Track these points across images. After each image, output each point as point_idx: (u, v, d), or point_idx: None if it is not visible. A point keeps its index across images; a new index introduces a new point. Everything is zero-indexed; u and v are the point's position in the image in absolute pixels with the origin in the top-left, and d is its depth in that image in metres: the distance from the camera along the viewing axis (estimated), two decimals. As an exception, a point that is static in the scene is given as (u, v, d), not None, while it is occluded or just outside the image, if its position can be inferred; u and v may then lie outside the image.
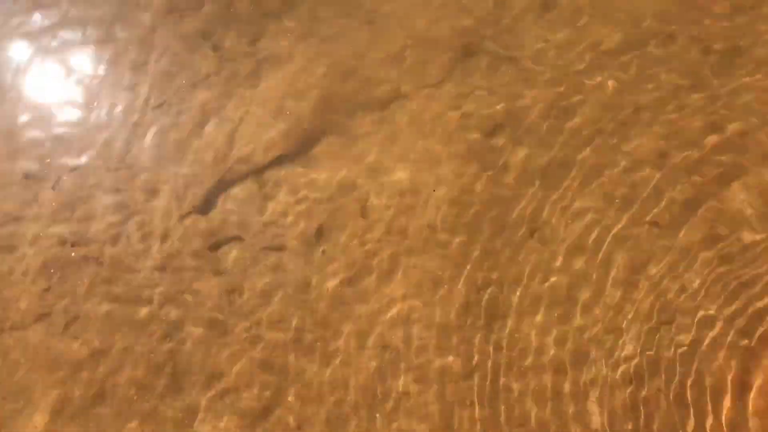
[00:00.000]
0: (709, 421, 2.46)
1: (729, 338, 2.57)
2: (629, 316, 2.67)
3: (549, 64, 3.14)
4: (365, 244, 2.89)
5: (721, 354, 2.56)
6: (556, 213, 2.88)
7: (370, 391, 2.66)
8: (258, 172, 3.06)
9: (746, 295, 2.64)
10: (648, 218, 2.82)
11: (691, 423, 2.46)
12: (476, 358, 2.67)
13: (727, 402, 2.47)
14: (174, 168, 3.07)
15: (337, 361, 2.71)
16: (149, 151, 3.11)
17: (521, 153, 2.99)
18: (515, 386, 2.60)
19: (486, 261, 2.82)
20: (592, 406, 2.55)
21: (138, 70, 3.30)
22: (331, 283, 2.84)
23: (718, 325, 2.60)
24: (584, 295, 2.73)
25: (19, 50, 3.45)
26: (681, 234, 2.77)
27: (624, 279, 2.74)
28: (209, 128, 3.13)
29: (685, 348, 2.58)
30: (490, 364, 2.66)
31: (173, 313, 2.84)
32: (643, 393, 2.55)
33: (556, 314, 2.70)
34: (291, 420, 2.64)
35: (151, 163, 3.09)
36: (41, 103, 3.23)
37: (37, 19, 3.48)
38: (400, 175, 3.00)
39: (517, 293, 2.77)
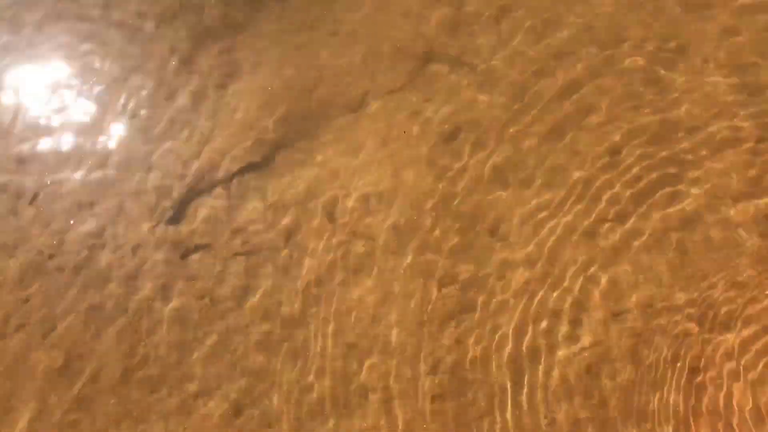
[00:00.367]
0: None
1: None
2: (586, 308, 2.77)
3: (506, 68, 3.24)
4: (332, 247, 3.00)
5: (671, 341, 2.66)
6: (515, 212, 2.98)
7: (339, 389, 2.76)
8: (227, 180, 3.16)
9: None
10: (601, 215, 2.92)
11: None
12: (440, 352, 2.76)
13: (675, 386, 2.58)
14: (145, 179, 3.17)
15: (307, 360, 2.81)
16: (121, 163, 3.21)
17: (480, 155, 3.09)
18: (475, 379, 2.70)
19: (448, 260, 2.92)
20: (550, 395, 2.65)
21: (110, 84, 3.40)
22: (300, 286, 2.94)
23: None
24: (544, 289, 2.82)
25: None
26: (634, 225, 2.87)
27: (581, 273, 2.84)
28: (179, 140, 3.24)
29: (638, 337, 2.69)
30: (454, 358, 2.75)
31: (146, 321, 2.94)
32: (600, 382, 2.65)
33: (515, 311, 2.80)
34: (263, 419, 2.74)
35: (123, 175, 3.19)
36: (15, 118, 3.32)
37: (6, 32, 3.57)
38: (365, 179, 3.11)
39: (479, 290, 2.86)
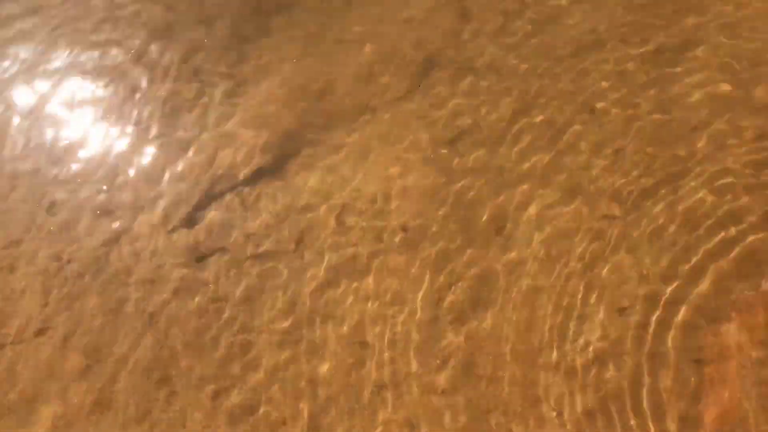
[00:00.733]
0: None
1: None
2: (592, 303, 2.84)
3: (509, 72, 3.33)
4: (342, 249, 3.08)
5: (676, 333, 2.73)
6: (519, 211, 3.06)
7: (352, 386, 2.84)
8: (239, 186, 3.25)
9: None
10: (605, 211, 2.99)
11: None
12: (451, 348, 2.84)
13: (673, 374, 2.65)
14: (160, 187, 3.27)
15: (321, 359, 2.89)
16: (137, 172, 3.31)
17: (485, 157, 3.18)
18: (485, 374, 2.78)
19: (456, 259, 3.00)
20: (558, 387, 2.72)
21: (124, 97, 3.50)
22: (312, 287, 3.02)
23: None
24: (550, 285, 2.90)
25: (11, 82, 3.66)
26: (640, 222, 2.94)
27: (586, 268, 2.91)
28: (192, 148, 3.33)
29: (644, 330, 2.75)
30: (465, 354, 2.83)
31: (164, 323, 3.02)
32: (607, 374, 2.72)
33: (523, 306, 2.88)
34: (278, 416, 2.82)
35: (139, 183, 3.29)
36: (30, 129, 3.43)
37: (24, 47, 3.68)
38: (372, 182, 3.19)
39: (487, 288, 2.94)
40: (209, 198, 3.23)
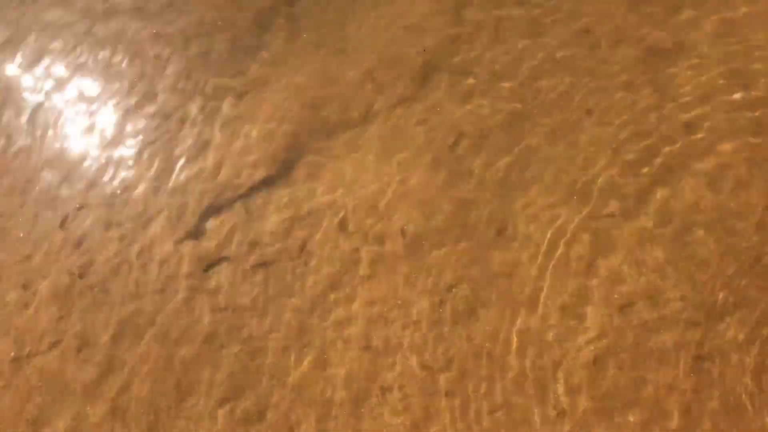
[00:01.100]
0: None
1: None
2: (592, 302, 2.86)
3: (507, 74, 3.36)
4: (345, 254, 3.13)
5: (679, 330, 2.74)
6: (519, 212, 3.09)
7: (357, 390, 2.89)
8: (244, 195, 3.31)
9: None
10: (606, 211, 3.01)
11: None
12: (453, 351, 2.88)
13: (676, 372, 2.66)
14: (168, 198, 3.34)
15: (326, 364, 2.94)
16: (145, 185, 3.39)
17: (484, 159, 3.21)
18: (487, 374, 2.81)
19: (456, 261, 3.04)
20: (559, 388, 2.75)
21: (129, 111, 3.57)
22: (316, 292, 3.08)
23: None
24: (549, 284, 2.92)
25: (22, 95, 3.75)
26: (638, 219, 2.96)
27: (587, 268, 2.93)
28: (198, 159, 3.40)
29: (644, 328, 2.77)
30: (466, 356, 2.86)
31: (174, 332, 3.09)
32: (606, 373, 2.74)
33: (523, 307, 2.91)
34: (285, 422, 2.87)
35: (146, 195, 3.36)
36: (41, 147, 3.51)
37: (35, 64, 3.77)
38: (374, 187, 3.24)
39: (488, 289, 2.97)
40: (215, 208, 3.29)
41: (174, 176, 3.38)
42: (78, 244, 3.32)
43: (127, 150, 3.48)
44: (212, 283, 3.15)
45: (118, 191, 3.40)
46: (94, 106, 3.64)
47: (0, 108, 3.72)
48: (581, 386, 2.74)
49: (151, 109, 3.58)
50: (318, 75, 3.55)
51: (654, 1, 3.39)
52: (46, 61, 3.80)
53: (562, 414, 2.70)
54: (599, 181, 3.07)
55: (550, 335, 2.84)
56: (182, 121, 3.51)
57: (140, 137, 3.50)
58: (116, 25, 3.91)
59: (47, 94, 3.71)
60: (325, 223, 3.20)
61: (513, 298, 2.94)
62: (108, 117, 3.58)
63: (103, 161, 3.47)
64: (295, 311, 3.06)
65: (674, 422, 2.60)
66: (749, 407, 2.57)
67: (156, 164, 3.41)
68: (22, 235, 3.40)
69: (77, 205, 3.40)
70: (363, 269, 3.09)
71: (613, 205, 3.01)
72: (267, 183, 3.33)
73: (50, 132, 3.57)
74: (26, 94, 3.80)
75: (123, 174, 3.44)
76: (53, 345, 3.13)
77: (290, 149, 3.38)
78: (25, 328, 3.17)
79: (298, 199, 3.27)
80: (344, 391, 2.88)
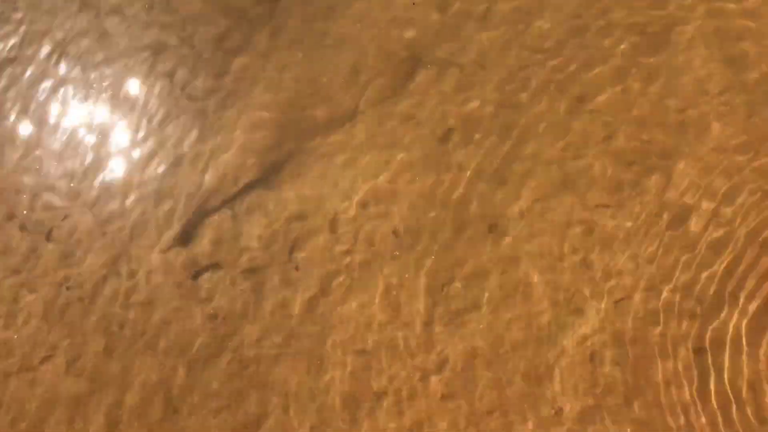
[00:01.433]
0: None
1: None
2: (588, 297, 2.80)
3: (493, 65, 3.28)
4: (336, 257, 3.08)
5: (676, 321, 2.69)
6: (511, 207, 3.02)
7: (352, 396, 2.85)
8: (231, 200, 3.26)
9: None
10: (598, 201, 2.95)
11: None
12: (447, 352, 2.83)
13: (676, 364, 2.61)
14: (153, 205, 3.29)
15: (319, 370, 2.90)
16: (130, 192, 3.33)
17: (473, 154, 3.14)
18: (483, 375, 2.76)
19: (449, 259, 2.98)
20: (556, 386, 2.70)
21: (112, 118, 3.51)
22: (307, 297, 3.03)
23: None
24: (544, 280, 2.87)
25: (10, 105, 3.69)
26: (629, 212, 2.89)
27: (581, 262, 2.87)
28: (183, 165, 3.34)
29: (641, 321, 2.72)
30: (461, 357, 2.81)
31: (163, 343, 3.05)
32: (605, 369, 2.69)
33: (517, 303, 2.85)
34: (280, 430, 2.83)
35: (132, 203, 3.31)
36: (26, 157, 3.46)
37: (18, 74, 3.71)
38: (363, 187, 3.18)
39: (481, 287, 2.92)
40: (201, 214, 3.24)
41: (159, 183, 3.32)
42: (65, 256, 3.27)
43: (108, 157, 3.42)
44: (202, 291, 3.11)
45: (103, 200, 3.34)
46: (71, 114, 3.57)
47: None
48: (578, 384, 2.69)
49: (133, 113, 3.51)
50: (302, 72, 3.48)
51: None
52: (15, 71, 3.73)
53: (559, 412, 2.66)
54: (592, 171, 3.01)
55: (545, 332, 2.79)
56: (164, 126, 3.45)
57: (122, 144, 3.44)
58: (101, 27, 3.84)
59: (26, 101, 3.64)
60: (315, 225, 3.15)
61: (506, 296, 2.88)
62: (87, 124, 3.52)
63: (85, 169, 3.41)
64: (287, 317, 3.01)
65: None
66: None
67: (141, 171, 3.35)
68: (7, 247, 3.35)
69: (63, 215, 3.34)
70: (354, 271, 3.04)
71: (607, 196, 2.95)
72: (254, 186, 3.27)
73: (31, 142, 3.50)
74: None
75: (106, 181, 3.38)
76: (44, 360, 3.09)
77: (276, 150, 3.32)
78: (15, 342, 3.13)
79: (286, 201, 3.22)
80: (338, 397, 2.83)
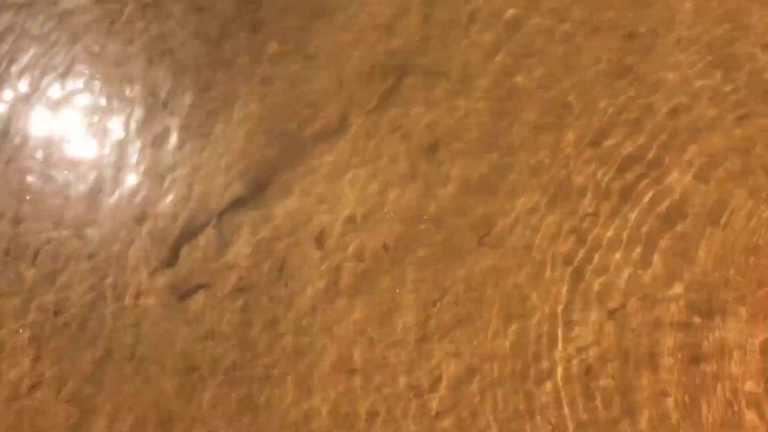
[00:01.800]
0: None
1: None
2: (581, 308, 2.76)
3: (480, 73, 3.23)
4: (324, 273, 3.03)
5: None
6: (501, 217, 2.98)
7: (345, 415, 2.80)
8: (217, 218, 3.21)
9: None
10: (588, 210, 2.90)
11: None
12: (441, 368, 2.78)
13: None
14: (138, 226, 3.23)
15: (311, 389, 2.85)
16: (115, 214, 3.28)
17: (462, 164, 3.09)
18: (476, 391, 2.72)
19: (440, 273, 2.94)
20: (552, 401, 2.66)
21: (94, 136, 3.46)
22: (296, 315, 2.98)
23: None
24: (537, 293, 2.82)
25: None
26: (620, 221, 2.85)
27: (573, 272, 2.83)
28: (167, 184, 3.29)
29: (635, 332, 2.67)
30: (454, 373, 2.77)
31: (153, 366, 3.00)
32: (601, 382, 2.65)
33: (510, 317, 2.81)
34: (274, 452, 2.80)
35: (117, 225, 3.25)
36: (7, 181, 3.41)
37: None
38: (351, 201, 3.13)
39: (473, 301, 2.87)
40: (188, 234, 3.19)
41: (143, 203, 3.27)
42: (51, 280, 3.22)
43: (92, 178, 3.36)
44: (190, 313, 3.06)
45: (88, 223, 3.29)
46: (57, 134, 3.52)
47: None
48: (575, 398, 2.65)
49: (117, 133, 3.46)
50: (287, 85, 3.43)
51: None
52: None
53: (556, 429, 2.61)
54: (582, 179, 2.96)
55: (539, 346, 2.75)
56: (148, 145, 3.39)
57: (105, 164, 3.38)
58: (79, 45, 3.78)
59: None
60: (303, 242, 3.09)
61: (500, 308, 2.84)
62: (70, 145, 3.46)
63: (71, 192, 3.36)
64: (277, 336, 2.96)
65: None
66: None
67: (124, 192, 3.30)
68: (-6, 273, 3.30)
69: (47, 239, 3.29)
70: (345, 288, 2.99)
71: (599, 204, 2.90)
72: (240, 203, 3.22)
73: (10, 164, 3.45)
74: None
75: (91, 203, 3.32)
76: (32, 388, 3.04)
77: (261, 166, 3.27)
78: (3, 371, 3.08)
79: (274, 217, 3.16)
80: (330, 417, 2.79)
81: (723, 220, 2.77)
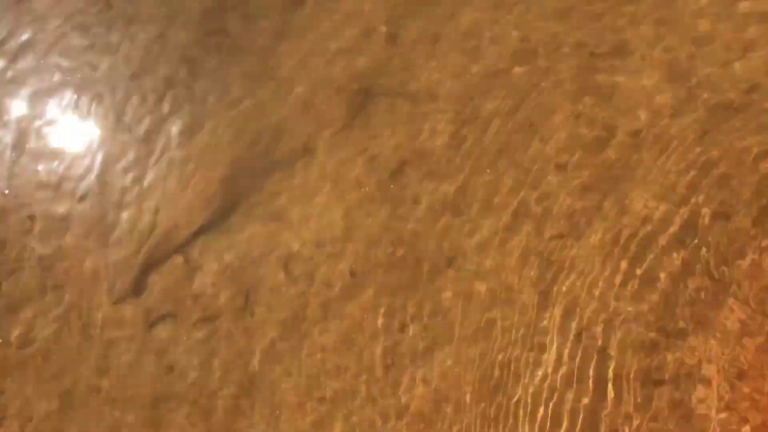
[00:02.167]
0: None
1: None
2: (548, 331, 2.75)
3: (446, 94, 3.22)
4: (292, 300, 3.00)
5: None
6: (467, 240, 2.97)
7: (314, 443, 2.78)
8: (183, 246, 3.17)
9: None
10: (555, 231, 2.90)
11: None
12: (409, 395, 2.77)
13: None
14: (103, 255, 3.20)
15: (278, 419, 2.82)
16: (78, 243, 3.24)
17: (428, 186, 3.08)
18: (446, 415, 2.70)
19: (407, 297, 2.92)
20: (523, 425, 2.65)
21: (58, 166, 3.42)
22: (264, 344, 2.95)
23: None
24: (504, 316, 2.81)
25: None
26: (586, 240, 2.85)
27: (540, 294, 2.82)
28: (132, 212, 3.25)
29: (602, 354, 2.67)
30: (423, 399, 2.75)
31: (120, 398, 2.96)
32: (567, 406, 2.64)
33: (478, 341, 2.80)
34: (243, 483, 2.77)
35: (81, 255, 3.21)
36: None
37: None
38: (317, 225, 3.11)
39: (442, 325, 2.86)
40: (154, 263, 3.15)
41: (108, 232, 3.23)
42: (15, 311, 3.17)
43: (58, 206, 3.32)
44: (156, 343, 3.02)
45: (53, 252, 3.25)
46: (21, 164, 3.47)
47: None
48: (543, 422, 2.64)
49: (79, 158, 3.42)
50: (250, 109, 3.41)
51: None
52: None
53: (524, 453, 2.60)
54: (548, 201, 2.96)
55: (507, 370, 2.74)
56: (111, 171, 3.35)
57: (68, 191, 3.34)
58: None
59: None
60: (269, 269, 3.07)
61: (468, 333, 2.82)
62: (35, 174, 3.42)
63: (32, 221, 3.31)
64: (244, 366, 2.93)
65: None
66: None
67: (88, 221, 3.26)
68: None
69: (10, 269, 3.24)
70: (312, 315, 2.97)
71: (564, 225, 2.90)
72: (205, 230, 3.19)
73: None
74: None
75: (56, 231, 3.28)
76: (-4, 423, 2.99)
77: (227, 191, 3.24)
78: (-34, 407, 3.03)
79: (239, 243, 3.14)
80: (300, 448, 2.77)
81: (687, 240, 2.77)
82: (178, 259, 3.14)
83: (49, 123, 3.51)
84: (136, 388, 2.97)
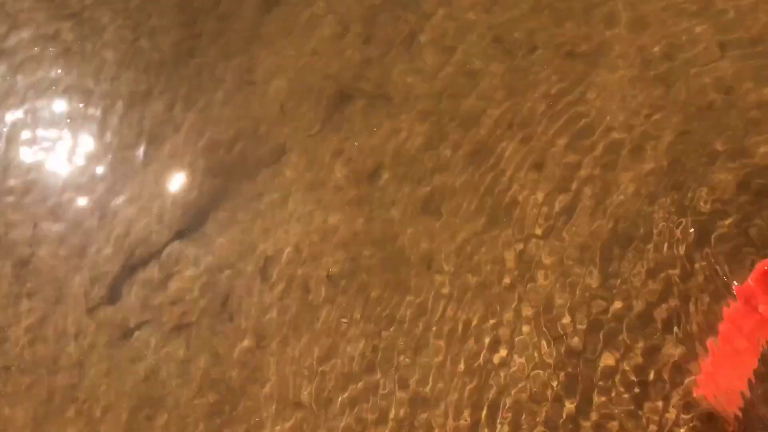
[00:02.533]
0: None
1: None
2: (526, 332, 2.74)
3: (422, 95, 3.20)
4: (269, 305, 2.98)
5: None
6: (448, 242, 2.95)
7: (292, 450, 2.76)
8: (158, 252, 3.14)
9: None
10: (534, 231, 2.88)
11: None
12: (388, 401, 2.75)
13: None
14: (78, 263, 3.16)
15: (257, 425, 2.80)
16: (53, 252, 3.20)
17: (406, 188, 3.06)
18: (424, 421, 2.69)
19: (387, 300, 2.90)
20: (504, 427, 2.63)
21: (35, 174, 3.38)
22: (241, 350, 2.92)
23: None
24: (482, 319, 2.80)
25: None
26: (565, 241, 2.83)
27: (518, 297, 2.81)
28: (106, 219, 3.22)
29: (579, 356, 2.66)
30: (403, 405, 2.74)
31: (98, 408, 2.93)
32: (547, 407, 2.63)
33: (457, 343, 2.78)
34: (222, 491, 2.74)
35: (55, 263, 3.17)
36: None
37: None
38: (294, 230, 3.08)
39: (422, 327, 2.84)
40: (129, 269, 3.12)
41: (81, 238, 3.20)
42: (-12, 321, 3.13)
43: (31, 213, 3.28)
44: (133, 351, 2.99)
45: (26, 259, 3.21)
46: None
47: None
48: (522, 423, 2.62)
49: (56, 169, 3.38)
50: (226, 112, 3.38)
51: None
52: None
53: (504, 457, 2.59)
54: (525, 201, 2.94)
55: (486, 374, 2.72)
56: (87, 178, 3.32)
57: (42, 200, 3.30)
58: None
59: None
60: (246, 274, 3.05)
61: (446, 336, 2.80)
62: (11, 181, 3.38)
63: (9, 230, 3.27)
64: (222, 372, 2.91)
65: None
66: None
67: (63, 229, 3.22)
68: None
69: (-17, 280, 3.20)
70: (290, 320, 2.94)
71: (540, 226, 2.88)
72: (181, 237, 3.16)
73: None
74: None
75: (29, 240, 3.25)
76: (-30, 438, 2.95)
77: (203, 198, 3.22)
78: (-61, 419, 2.99)
79: (216, 249, 3.11)
80: (279, 455, 2.74)
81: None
82: (154, 266, 3.11)
83: (19, 132, 3.46)
84: (113, 396, 2.94)
